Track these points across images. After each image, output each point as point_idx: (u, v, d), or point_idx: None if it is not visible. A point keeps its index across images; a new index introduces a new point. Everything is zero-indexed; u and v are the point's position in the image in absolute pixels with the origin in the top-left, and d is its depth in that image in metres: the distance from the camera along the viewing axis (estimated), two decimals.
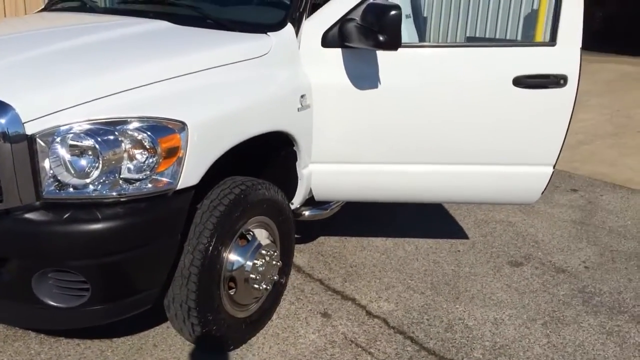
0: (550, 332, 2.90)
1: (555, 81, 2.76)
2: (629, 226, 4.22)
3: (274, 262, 2.63)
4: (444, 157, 2.93)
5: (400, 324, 2.90)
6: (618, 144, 6.25)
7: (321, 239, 3.80)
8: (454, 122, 2.85)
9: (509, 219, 4.27)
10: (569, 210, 4.50)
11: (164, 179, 2.06)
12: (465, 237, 3.95)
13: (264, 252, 2.56)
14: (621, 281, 3.42)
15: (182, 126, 2.06)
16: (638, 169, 5.44)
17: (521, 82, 2.76)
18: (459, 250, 3.74)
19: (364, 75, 2.75)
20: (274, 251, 2.64)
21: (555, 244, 3.90)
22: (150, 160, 2.02)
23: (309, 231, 3.80)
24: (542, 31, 4.40)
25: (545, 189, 3.02)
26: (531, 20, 5.42)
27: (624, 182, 5.11)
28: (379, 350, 2.69)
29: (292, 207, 2.93)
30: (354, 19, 2.61)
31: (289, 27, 2.68)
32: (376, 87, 2.76)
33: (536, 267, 3.56)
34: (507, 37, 5.58)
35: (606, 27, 13.77)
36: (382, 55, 2.71)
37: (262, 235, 2.62)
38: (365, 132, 2.86)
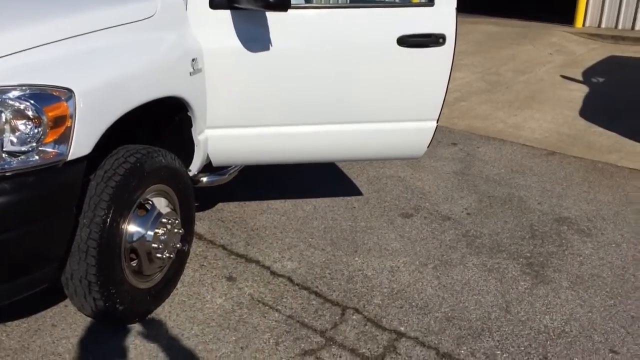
0: (440, 274, 3.15)
1: (435, 40, 2.93)
2: (503, 174, 4.63)
3: (176, 230, 2.60)
4: (334, 117, 3.03)
5: (304, 280, 3.01)
6: (490, 100, 6.77)
7: (220, 205, 3.80)
8: (342, 82, 2.94)
9: (398, 174, 4.51)
10: (450, 162, 4.84)
11: (52, 150, 1.95)
12: (359, 193, 4.13)
13: (164, 220, 2.53)
14: (498, 224, 3.77)
15: (69, 93, 1.96)
16: (508, 122, 5.95)
17: (405, 41, 2.90)
18: (354, 207, 3.91)
19: (253, 38, 2.74)
20: (175, 219, 2.61)
21: (440, 194, 4.20)
22: (36, 130, 1.90)
23: (208, 198, 3.78)
24: None
25: (430, 142, 3.23)
26: None
27: (497, 134, 5.58)
28: (285, 306, 2.78)
29: (190, 173, 2.89)
30: None
31: None
32: (267, 49, 2.77)
33: (425, 216, 3.82)
34: None
35: None
36: (271, 16, 2.72)
37: (161, 204, 2.57)
38: (257, 95, 2.87)
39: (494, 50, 9.49)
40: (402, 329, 2.68)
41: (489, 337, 2.65)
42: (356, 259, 3.26)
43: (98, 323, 2.52)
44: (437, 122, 3.17)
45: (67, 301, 2.54)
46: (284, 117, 2.95)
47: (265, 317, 2.69)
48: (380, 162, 4.64)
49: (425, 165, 4.71)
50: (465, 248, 3.44)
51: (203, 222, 3.54)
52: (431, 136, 3.20)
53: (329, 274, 3.09)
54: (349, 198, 4.04)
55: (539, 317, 2.81)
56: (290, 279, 3.01)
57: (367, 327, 2.68)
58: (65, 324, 2.52)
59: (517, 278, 3.14)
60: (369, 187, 4.26)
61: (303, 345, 2.53)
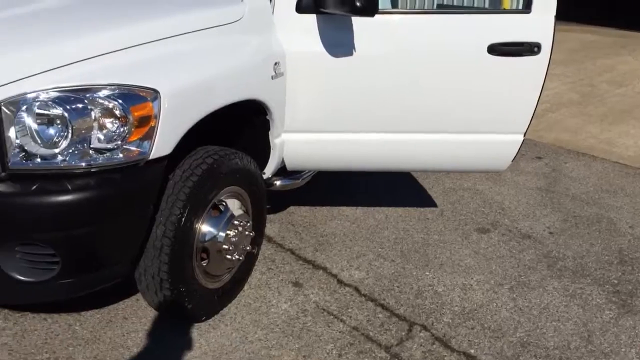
0: (516, 296, 2.99)
1: (529, 49, 2.77)
2: (591, 192, 4.35)
3: (247, 233, 2.61)
4: (417, 126, 2.93)
5: (372, 292, 2.94)
6: (582, 113, 6.39)
7: (291, 208, 3.80)
8: (427, 90, 2.84)
9: (476, 186, 4.34)
10: (534, 177, 4.60)
11: (135, 149, 2.00)
12: (433, 205, 4.01)
13: (236, 222, 2.54)
14: (584, 246, 3.54)
15: (155, 94, 1.99)
16: (600, 137, 5.59)
17: (496, 49, 2.76)
18: (427, 218, 3.79)
19: (338, 43, 2.70)
20: (247, 221, 2.61)
21: (521, 210, 3.99)
22: (122, 129, 1.95)
23: (279, 201, 3.78)
24: None
25: (515, 156, 3.07)
26: None
27: (587, 150, 5.25)
28: (350, 317, 2.73)
29: (264, 176, 2.89)
30: None
31: None
32: (351, 54, 2.72)
33: (503, 233, 3.65)
34: (475, 5, 5.57)
35: None
36: (357, 21, 2.66)
37: (234, 206, 2.59)
38: (337, 101, 2.83)
39: (589, 60, 8.97)
40: (472, 351, 2.56)
41: None
42: (427, 273, 3.15)
43: (166, 320, 2.57)
44: (524, 136, 3.01)
45: (139, 295, 2.60)
46: (363, 124, 2.89)
47: (329, 326, 2.65)
48: (458, 174, 4.48)
49: (506, 179, 4.50)
50: (545, 270, 3.25)
51: (273, 225, 3.55)
52: (517, 150, 3.04)
53: (398, 287, 3.00)
54: (422, 209, 3.92)
55: (623, 350, 2.60)
56: (357, 289, 2.95)
57: (434, 346, 2.57)
58: (135, 318, 2.59)
59: (601, 306, 2.92)
60: (444, 198, 4.12)
61: (366, 359, 2.47)
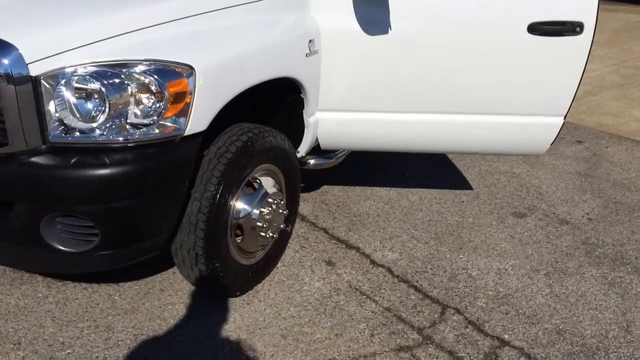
0: (553, 282, 2.93)
1: (571, 28, 2.67)
2: (633, 178, 4.21)
3: (280, 211, 2.62)
4: (452, 107, 2.87)
5: (404, 273, 2.92)
6: (624, 96, 6.17)
7: (325, 187, 3.79)
8: (464, 69, 2.77)
9: (513, 170, 4.25)
10: (573, 161, 4.48)
11: (171, 125, 2.01)
12: (469, 187, 3.94)
13: (270, 200, 2.55)
14: (624, 233, 3.43)
15: (190, 70, 2.00)
16: None
17: (536, 29, 2.67)
18: (462, 201, 3.74)
19: (374, 21, 2.65)
20: (281, 199, 2.62)
21: (559, 195, 3.90)
22: (158, 105, 1.96)
23: (313, 180, 3.78)
24: None
25: (554, 140, 2.98)
26: None
27: (630, 134, 5.07)
28: (383, 298, 2.72)
29: (298, 155, 2.89)
30: None
31: None
32: (386, 32, 2.67)
33: (540, 218, 3.57)
34: None
35: None
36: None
37: (268, 184, 2.59)
38: (373, 79, 2.79)
39: (633, 41, 8.63)
40: (506, 336, 2.52)
41: (604, 358, 2.42)
42: (461, 256, 3.11)
43: (202, 293, 2.62)
44: (565, 119, 2.92)
45: (175, 268, 2.65)
46: (399, 103, 2.85)
47: (362, 306, 2.65)
48: (494, 156, 4.40)
49: (544, 163, 4.39)
50: (583, 256, 3.17)
51: (307, 204, 3.56)
52: (556, 133, 2.95)
53: (431, 269, 2.98)
54: (457, 191, 3.86)
55: None
56: (390, 270, 2.94)
57: (467, 329, 2.55)
58: (172, 290, 2.64)
59: None
60: (480, 181, 4.05)
61: (399, 340, 2.45)
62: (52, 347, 2.27)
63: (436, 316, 2.62)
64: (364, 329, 2.51)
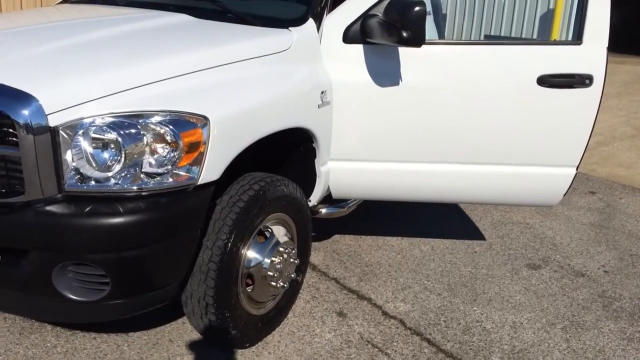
0: (570, 336, 2.85)
1: (580, 81, 2.72)
2: None
3: (292, 260, 2.60)
4: (465, 157, 2.89)
5: (417, 325, 2.86)
6: (636, 147, 6.17)
7: (336, 237, 3.78)
8: (476, 121, 2.81)
9: (526, 220, 4.21)
10: (587, 212, 4.44)
11: (185, 174, 2.04)
12: (482, 238, 3.91)
13: (281, 249, 2.54)
14: None
15: (205, 121, 2.04)
16: None
17: (545, 81, 2.72)
18: (475, 252, 3.69)
19: (385, 72, 2.71)
20: (292, 248, 2.61)
21: (573, 247, 3.85)
22: (172, 154, 2.00)
23: (324, 229, 3.77)
24: (558, 30, 4.34)
25: (567, 190, 2.97)
26: (547, 19, 5.34)
27: None
28: (395, 351, 2.66)
29: (310, 204, 2.90)
30: (377, 15, 2.58)
31: (311, 23, 2.66)
32: (397, 84, 2.73)
33: (555, 270, 3.51)
34: (523, 36, 5.53)
35: (623, 29, 13.59)
36: (403, 52, 2.68)
37: (280, 233, 2.59)
38: (385, 130, 2.83)
39: None
40: None
41: None
42: (474, 308, 3.05)
43: (211, 345, 2.57)
44: (577, 169, 2.92)
45: (185, 318, 2.62)
46: (410, 153, 2.87)
47: (373, 359, 2.59)
48: (507, 206, 4.37)
49: (557, 214, 4.36)
50: (600, 310, 3.09)
51: (318, 253, 3.54)
52: (569, 184, 2.95)
53: (444, 321, 2.92)
54: (470, 241, 3.83)
55: None
56: (402, 322, 2.88)
57: None
58: (181, 341, 2.60)
59: None
60: (493, 231, 4.01)
61: None
62: None
63: None
64: None
